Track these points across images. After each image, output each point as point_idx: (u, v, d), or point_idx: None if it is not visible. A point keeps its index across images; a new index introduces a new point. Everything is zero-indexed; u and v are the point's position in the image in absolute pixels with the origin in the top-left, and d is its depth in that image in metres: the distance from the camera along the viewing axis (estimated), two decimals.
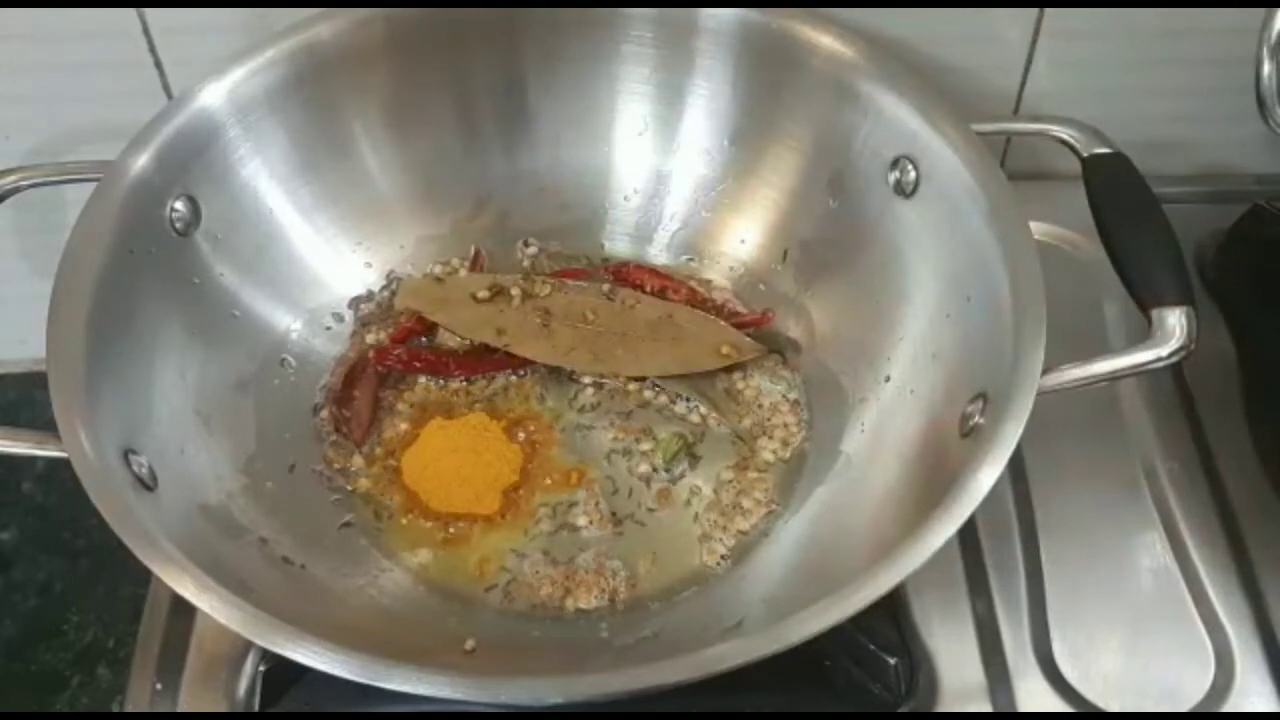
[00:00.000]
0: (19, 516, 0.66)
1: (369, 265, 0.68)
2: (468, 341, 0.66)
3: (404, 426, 0.64)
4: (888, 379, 0.61)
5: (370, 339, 0.66)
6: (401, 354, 0.65)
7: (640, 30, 0.65)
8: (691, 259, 0.70)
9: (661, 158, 0.69)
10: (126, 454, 0.51)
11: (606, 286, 0.67)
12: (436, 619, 0.57)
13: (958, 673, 0.57)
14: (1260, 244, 0.70)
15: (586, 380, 0.65)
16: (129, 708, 0.57)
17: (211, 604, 0.46)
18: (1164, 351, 0.52)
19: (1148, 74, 0.70)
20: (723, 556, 0.60)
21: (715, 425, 0.64)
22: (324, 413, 0.64)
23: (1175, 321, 0.52)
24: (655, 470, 0.63)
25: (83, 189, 0.58)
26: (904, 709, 0.56)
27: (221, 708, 0.57)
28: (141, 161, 0.58)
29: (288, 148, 0.64)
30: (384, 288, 0.68)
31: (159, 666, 0.58)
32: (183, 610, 0.58)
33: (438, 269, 0.69)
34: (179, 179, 0.59)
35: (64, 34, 0.64)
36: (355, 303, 0.67)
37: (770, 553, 0.59)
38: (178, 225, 0.60)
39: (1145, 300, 0.53)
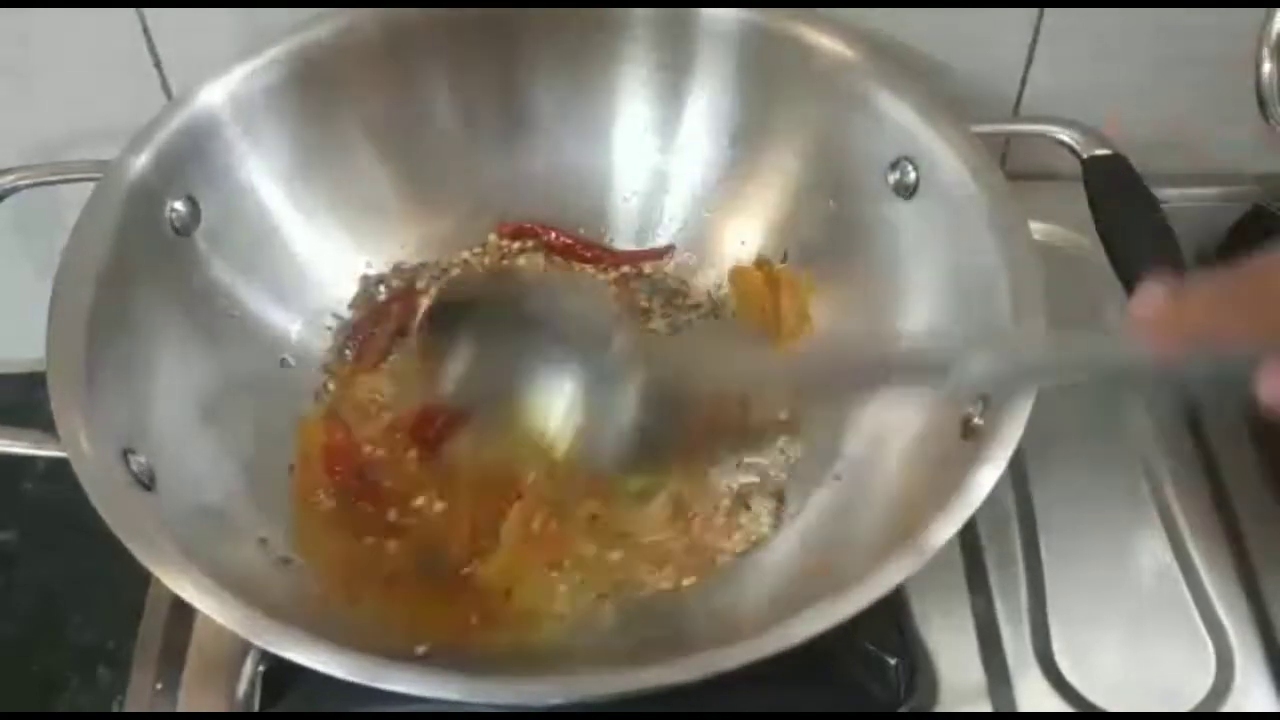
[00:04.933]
0: (19, 516, 0.66)
1: (369, 265, 0.68)
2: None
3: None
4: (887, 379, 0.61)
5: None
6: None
7: (640, 30, 0.65)
8: (692, 259, 0.70)
9: (661, 158, 0.69)
10: (126, 454, 0.51)
11: None
12: None
13: (958, 673, 0.57)
14: (1260, 244, 0.69)
15: None
16: (129, 708, 0.57)
17: (211, 604, 0.46)
18: None
19: (1147, 74, 0.70)
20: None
21: None
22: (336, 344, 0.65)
23: None
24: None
25: (83, 189, 0.58)
26: (904, 709, 0.56)
27: (221, 708, 0.57)
28: (141, 161, 0.58)
29: (287, 148, 0.64)
30: (381, 280, 0.68)
31: (159, 666, 0.58)
32: (183, 611, 0.58)
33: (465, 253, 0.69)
34: (178, 179, 0.59)
35: (64, 34, 0.64)
36: (360, 294, 0.67)
37: (770, 554, 0.59)
38: (177, 225, 0.60)
39: None
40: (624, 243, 0.70)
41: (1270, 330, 0.34)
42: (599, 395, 0.56)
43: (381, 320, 0.66)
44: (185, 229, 0.60)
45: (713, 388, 0.58)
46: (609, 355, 0.55)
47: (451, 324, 0.58)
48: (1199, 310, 0.35)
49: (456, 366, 0.58)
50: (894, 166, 0.61)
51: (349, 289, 0.67)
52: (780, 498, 0.61)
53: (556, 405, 0.57)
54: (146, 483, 0.52)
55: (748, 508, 0.60)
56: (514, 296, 0.58)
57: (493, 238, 0.69)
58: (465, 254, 0.69)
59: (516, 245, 0.69)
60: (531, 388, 0.57)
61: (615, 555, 0.59)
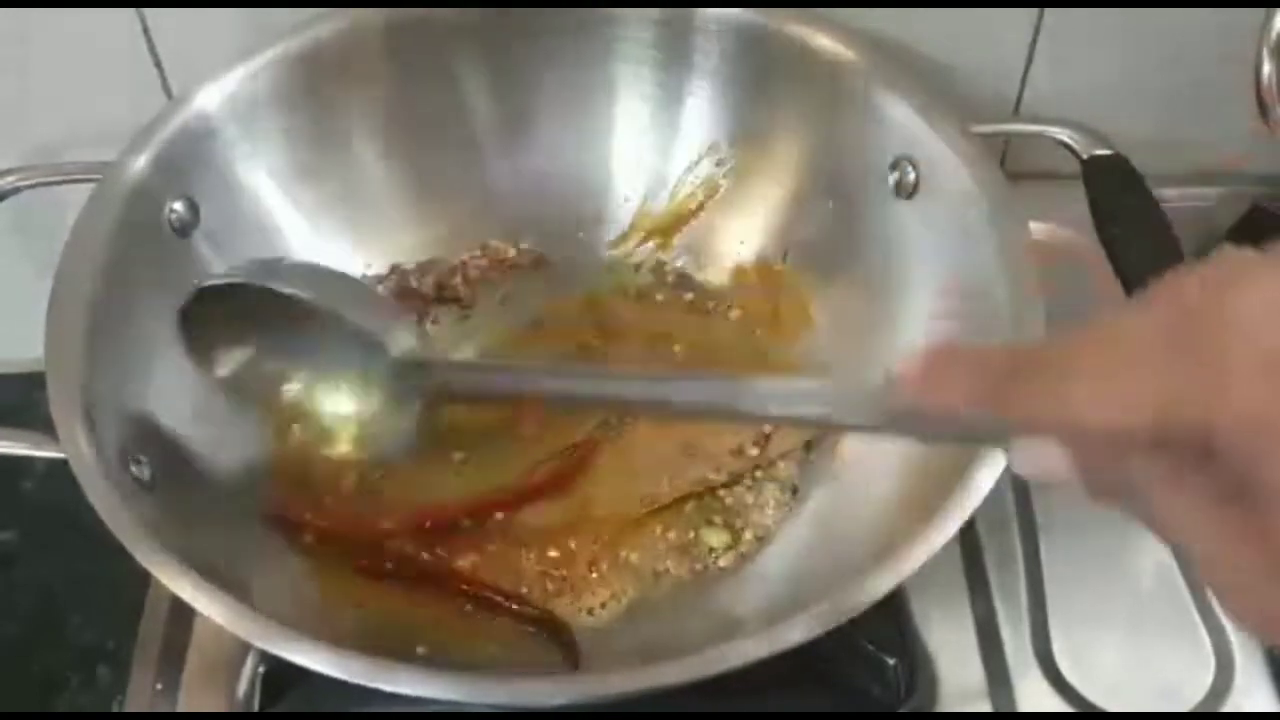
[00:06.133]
0: (19, 516, 0.66)
1: (369, 265, 0.68)
2: None
3: None
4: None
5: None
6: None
7: (639, 30, 0.65)
8: (691, 260, 0.69)
9: (661, 158, 0.69)
10: (125, 455, 0.51)
11: None
12: None
13: (958, 673, 0.57)
14: (1260, 244, 0.70)
15: None
16: (129, 708, 0.57)
17: (211, 605, 0.46)
18: None
19: (1148, 74, 0.70)
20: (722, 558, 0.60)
21: None
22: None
23: None
24: None
25: (83, 189, 0.58)
26: (904, 709, 0.56)
27: (221, 708, 0.57)
28: (140, 162, 0.58)
29: (287, 148, 0.64)
30: (381, 280, 0.68)
31: (159, 666, 0.58)
32: (183, 611, 0.58)
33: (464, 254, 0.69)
34: (178, 180, 0.59)
35: (64, 34, 0.64)
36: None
37: (770, 554, 0.59)
38: (176, 226, 0.60)
39: None
40: (623, 242, 0.70)
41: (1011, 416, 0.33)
42: (381, 395, 0.53)
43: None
44: (185, 230, 0.60)
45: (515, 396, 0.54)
46: (387, 357, 0.51)
47: (217, 312, 0.53)
48: (961, 377, 0.34)
49: (230, 354, 0.55)
50: (894, 166, 0.61)
51: None
52: (794, 489, 0.61)
53: (339, 399, 0.54)
54: (146, 483, 0.52)
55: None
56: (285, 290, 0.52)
57: (493, 241, 0.69)
58: (464, 255, 0.69)
59: (513, 251, 0.69)
60: (312, 378, 0.55)
61: (634, 556, 0.59)
